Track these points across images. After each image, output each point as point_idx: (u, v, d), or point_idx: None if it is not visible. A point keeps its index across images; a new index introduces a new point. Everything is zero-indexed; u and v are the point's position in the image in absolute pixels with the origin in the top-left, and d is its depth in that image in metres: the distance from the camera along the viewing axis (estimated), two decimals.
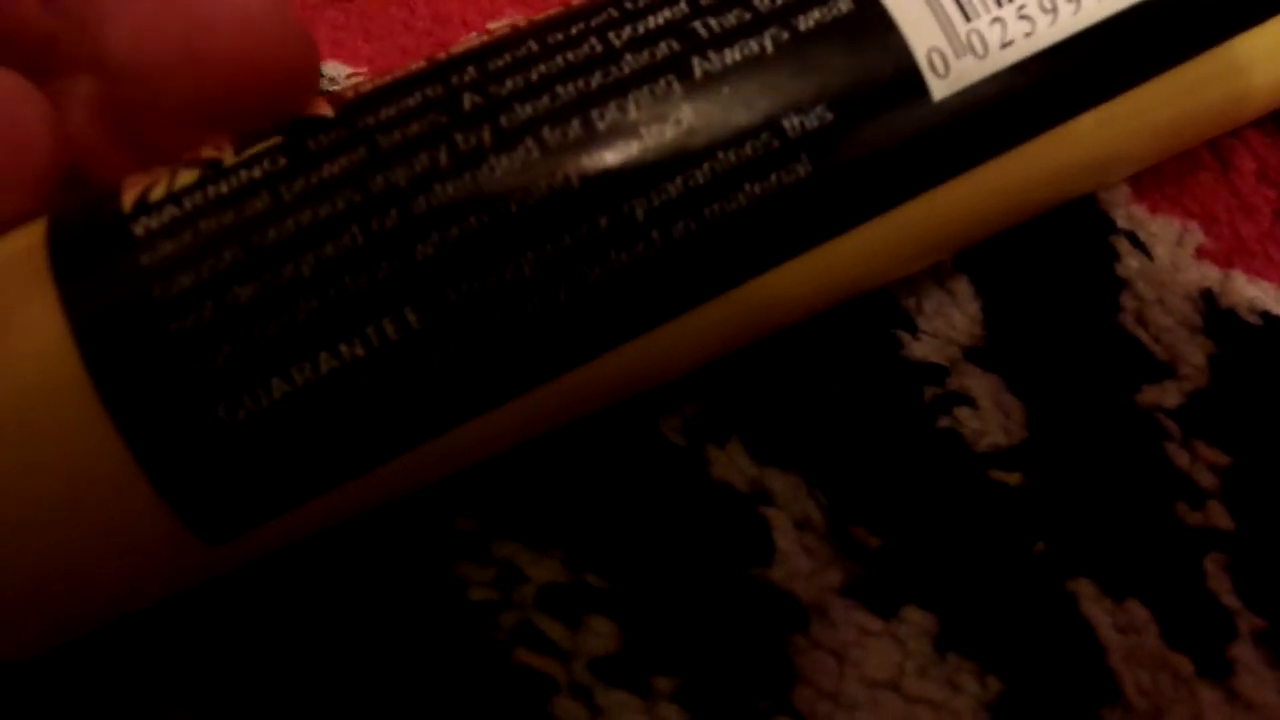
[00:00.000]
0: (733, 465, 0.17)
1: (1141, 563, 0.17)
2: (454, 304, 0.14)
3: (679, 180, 0.14)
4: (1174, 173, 0.20)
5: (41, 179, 0.15)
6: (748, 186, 0.14)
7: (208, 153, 0.15)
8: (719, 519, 0.17)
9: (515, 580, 0.17)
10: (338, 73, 0.21)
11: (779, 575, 0.17)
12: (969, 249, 0.19)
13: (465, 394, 0.14)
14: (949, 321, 0.18)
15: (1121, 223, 0.19)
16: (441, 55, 0.15)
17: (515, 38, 0.15)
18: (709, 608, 0.17)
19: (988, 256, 0.19)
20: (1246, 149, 0.20)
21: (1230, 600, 0.17)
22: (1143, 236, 0.19)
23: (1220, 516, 0.18)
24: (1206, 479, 0.18)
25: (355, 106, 0.15)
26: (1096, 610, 0.17)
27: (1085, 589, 0.17)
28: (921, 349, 0.18)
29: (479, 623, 0.17)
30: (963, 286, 0.19)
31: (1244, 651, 0.17)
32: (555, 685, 0.16)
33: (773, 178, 0.14)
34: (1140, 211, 0.19)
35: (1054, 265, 0.19)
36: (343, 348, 0.14)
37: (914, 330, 0.18)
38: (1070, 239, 0.19)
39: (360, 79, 0.21)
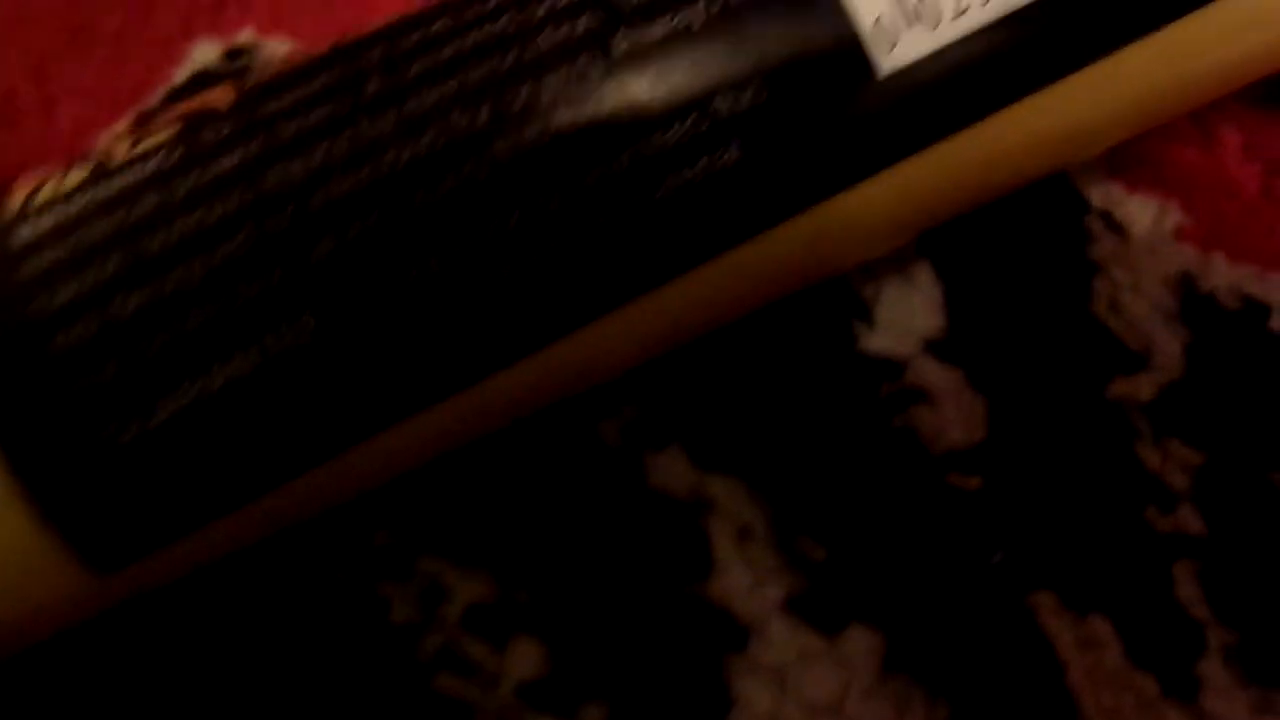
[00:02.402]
0: (672, 472, 0.17)
1: (1107, 572, 0.17)
2: (354, 308, 0.13)
3: (598, 169, 0.13)
4: (1153, 147, 0.19)
5: None
6: (673, 174, 0.14)
7: (104, 143, 0.14)
8: (655, 530, 0.16)
9: (439, 599, 0.16)
10: (276, 51, 0.20)
11: (717, 590, 0.16)
12: (931, 232, 0.18)
13: (373, 405, 0.14)
14: (909, 311, 0.18)
15: (1096, 202, 0.18)
16: (352, 35, 0.14)
17: (430, 13, 0.14)
18: (642, 625, 0.16)
19: (951, 240, 0.18)
20: (1231, 121, 0.19)
21: (1200, 611, 0.17)
22: (1118, 216, 0.18)
23: (1192, 520, 0.17)
24: (1178, 480, 0.17)
25: (254, 95, 0.14)
26: (1057, 625, 0.16)
27: (1046, 602, 0.16)
28: (879, 341, 0.17)
29: (401, 646, 0.16)
30: (924, 272, 0.18)
31: (1213, 668, 0.16)
32: (478, 713, 0.16)
33: (701, 163, 0.14)
34: (1117, 189, 0.19)
35: (1023, 249, 0.18)
36: (236, 359, 0.13)
37: (871, 321, 0.18)
38: (1041, 220, 0.18)
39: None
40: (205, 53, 0.19)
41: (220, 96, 0.14)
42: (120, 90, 0.19)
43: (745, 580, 0.16)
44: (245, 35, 0.19)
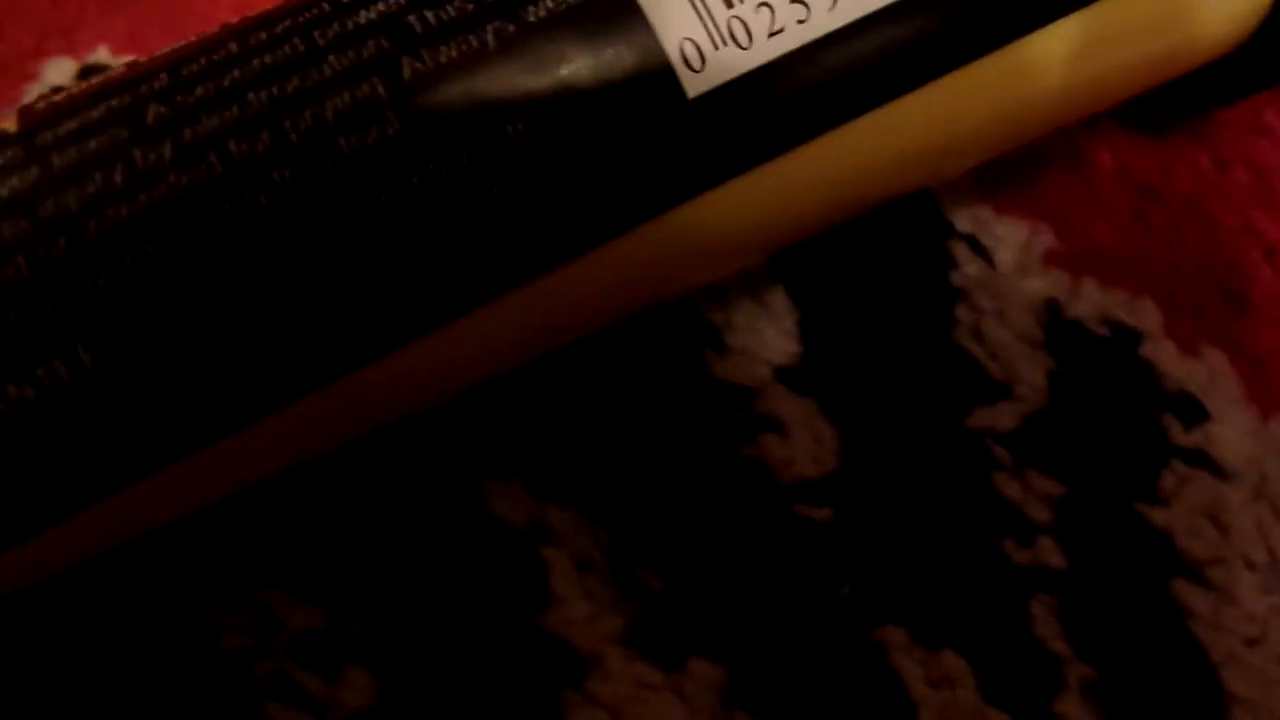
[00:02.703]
0: (511, 500, 0.16)
1: (961, 607, 0.16)
2: (130, 339, 0.13)
3: (381, 197, 0.13)
4: (1024, 169, 0.18)
5: None
6: (464, 201, 0.13)
7: None
8: (493, 559, 0.16)
9: (271, 627, 0.16)
10: None
11: (554, 621, 0.16)
12: (786, 254, 0.17)
13: (156, 437, 0.13)
14: (760, 338, 0.17)
15: (962, 226, 0.18)
16: (144, 59, 0.14)
17: (219, 38, 0.14)
18: (475, 658, 0.15)
19: (808, 263, 0.17)
20: (1104, 143, 0.18)
21: (1059, 647, 0.16)
22: (985, 240, 0.18)
23: (1051, 553, 0.16)
24: (1038, 512, 0.16)
25: (41, 121, 0.13)
26: (907, 661, 0.16)
27: (895, 638, 0.16)
28: (728, 369, 0.17)
29: (232, 672, 0.16)
30: (778, 298, 0.17)
31: (1071, 706, 0.16)
32: None
33: (494, 191, 0.13)
34: (985, 212, 0.18)
35: (883, 273, 0.17)
36: (10, 390, 0.13)
37: (721, 348, 0.17)
38: (903, 244, 0.18)
39: None
40: (58, 71, 0.19)
41: (7, 123, 0.14)
42: None
43: (583, 612, 0.16)
44: (99, 55, 0.19)
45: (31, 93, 0.20)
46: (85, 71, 0.19)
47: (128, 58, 0.20)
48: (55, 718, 0.16)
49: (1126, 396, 0.17)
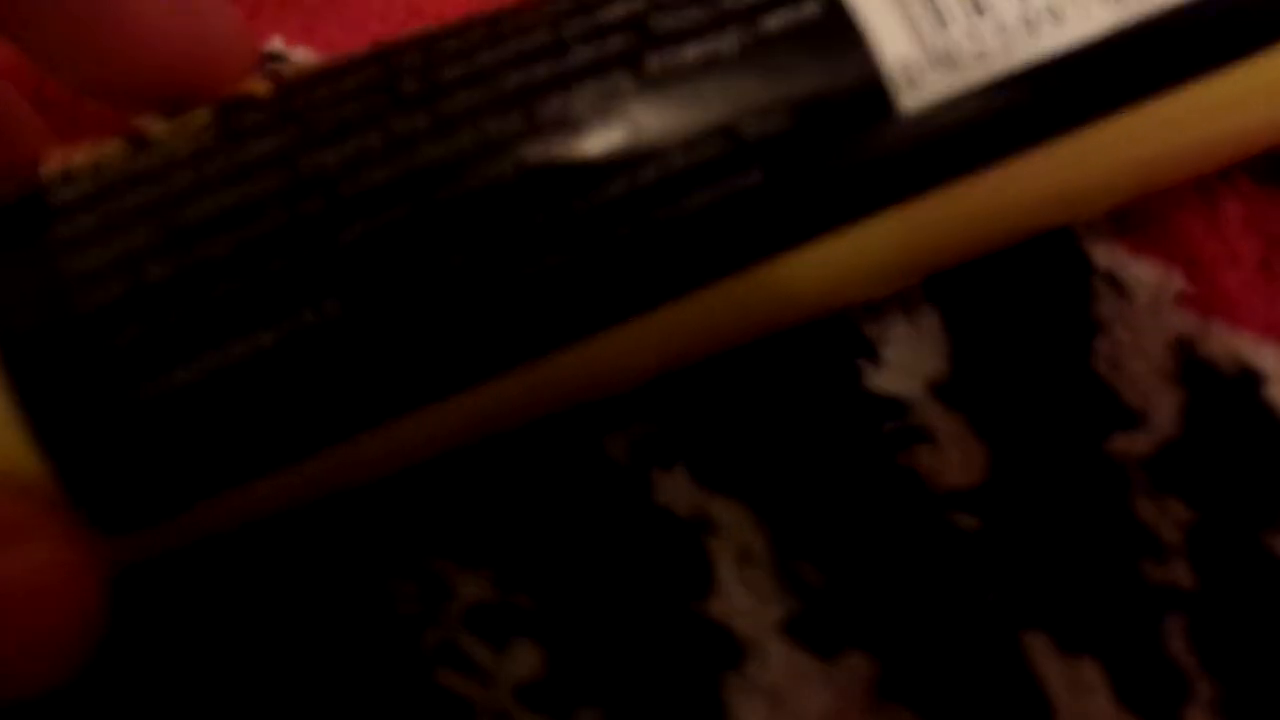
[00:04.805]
0: (677, 491, 0.16)
1: (1098, 618, 0.16)
2: (377, 295, 0.13)
3: (622, 180, 0.13)
4: (1159, 214, 0.18)
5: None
6: (697, 191, 0.13)
7: (138, 125, 0.14)
8: (658, 546, 0.16)
9: (442, 596, 0.15)
10: (306, 58, 0.20)
11: (716, 609, 0.15)
12: (940, 279, 0.17)
13: (387, 392, 0.13)
14: (915, 354, 0.17)
15: (1101, 263, 0.18)
16: (389, 40, 0.14)
17: (465, 25, 0.14)
18: (640, 638, 0.15)
19: (959, 289, 0.17)
20: (1235, 194, 0.18)
21: (1188, 663, 0.16)
22: (1122, 279, 0.18)
23: (1183, 574, 0.16)
24: (1172, 534, 0.16)
25: (293, 87, 0.14)
26: (1047, 666, 0.15)
27: (1037, 642, 0.16)
28: (883, 381, 0.17)
29: (403, 638, 0.15)
30: (931, 319, 0.17)
31: (1198, 718, 0.15)
32: (474, 710, 0.15)
33: (724, 184, 0.13)
34: (1121, 253, 0.18)
35: (1028, 303, 0.17)
36: (257, 335, 0.13)
37: (877, 361, 0.17)
38: (1047, 277, 0.18)
39: None
40: None
41: (256, 87, 0.14)
42: None
43: (745, 601, 0.15)
44: (274, 44, 0.19)
45: None
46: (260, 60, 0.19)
47: (302, 48, 0.20)
48: (233, 675, 0.15)
49: (1253, 433, 0.17)
